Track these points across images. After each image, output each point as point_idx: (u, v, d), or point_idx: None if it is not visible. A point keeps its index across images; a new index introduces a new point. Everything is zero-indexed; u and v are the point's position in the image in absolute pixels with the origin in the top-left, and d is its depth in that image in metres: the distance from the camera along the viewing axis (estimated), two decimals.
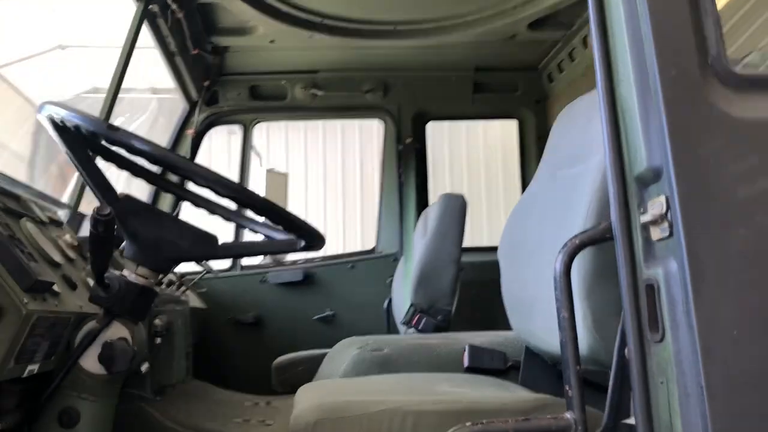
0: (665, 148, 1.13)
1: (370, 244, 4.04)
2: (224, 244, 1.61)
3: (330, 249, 3.19)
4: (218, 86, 3.68)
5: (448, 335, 2.26)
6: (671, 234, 1.12)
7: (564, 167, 1.86)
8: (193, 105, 3.60)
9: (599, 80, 1.25)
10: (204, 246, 1.55)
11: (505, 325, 3.44)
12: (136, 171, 1.63)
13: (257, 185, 4.01)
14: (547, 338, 1.78)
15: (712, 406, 1.05)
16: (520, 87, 3.96)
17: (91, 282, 1.55)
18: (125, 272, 1.50)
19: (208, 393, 2.56)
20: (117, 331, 1.49)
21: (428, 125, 3.96)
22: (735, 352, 1.07)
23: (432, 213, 3.32)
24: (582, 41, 3.46)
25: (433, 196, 4.00)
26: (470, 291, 3.39)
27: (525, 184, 4.00)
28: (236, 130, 3.84)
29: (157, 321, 2.16)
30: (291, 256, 3.92)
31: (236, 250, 1.76)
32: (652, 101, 1.16)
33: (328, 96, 3.81)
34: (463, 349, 2.05)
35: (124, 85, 2.56)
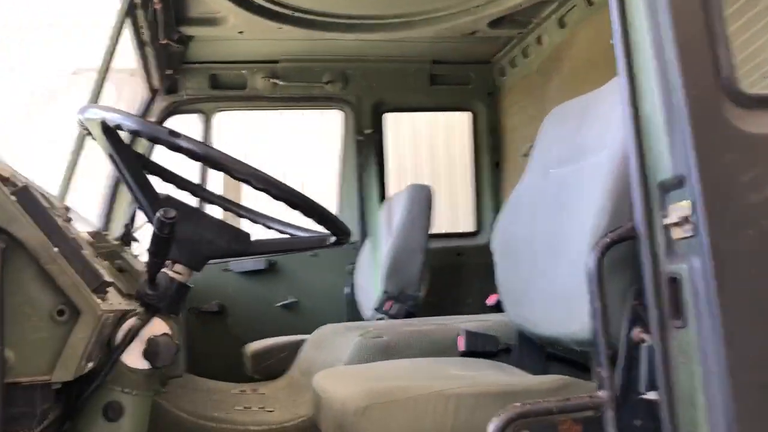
0: (688, 159, 1.30)
1: None
2: (257, 241, 1.69)
3: None
4: (178, 75, 3.66)
5: (439, 320, 2.40)
6: (694, 234, 1.29)
7: (556, 166, 2.02)
8: (154, 93, 3.57)
9: (625, 98, 1.40)
10: (239, 243, 1.62)
11: (466, 308, 3.62)
12: (180, 183, 1.67)
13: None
14: (541, 323, 1.94)
15: (735, 382, 1.23)
16: (472, 80, 4.12)
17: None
18: (164, 270, 1.55)
19: (195, 383, 2.61)
20: (158, 327, 1.54)
21: (385, 116, 4.07)
22: (753, 335, 1.25)
23: (398, 202, 3.44)
24: (536, 39, 3.64)
25: (392, 184, 4.13)
26: (431, 276, 3.55)
27: (478, 173, 4.19)
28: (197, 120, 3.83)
29: None
30: None
31: (269, 246, 1.81)
32: (676, 118, 1.32)
33: (288, 86, 3.85)
34: (456, 334, 2.19)
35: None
